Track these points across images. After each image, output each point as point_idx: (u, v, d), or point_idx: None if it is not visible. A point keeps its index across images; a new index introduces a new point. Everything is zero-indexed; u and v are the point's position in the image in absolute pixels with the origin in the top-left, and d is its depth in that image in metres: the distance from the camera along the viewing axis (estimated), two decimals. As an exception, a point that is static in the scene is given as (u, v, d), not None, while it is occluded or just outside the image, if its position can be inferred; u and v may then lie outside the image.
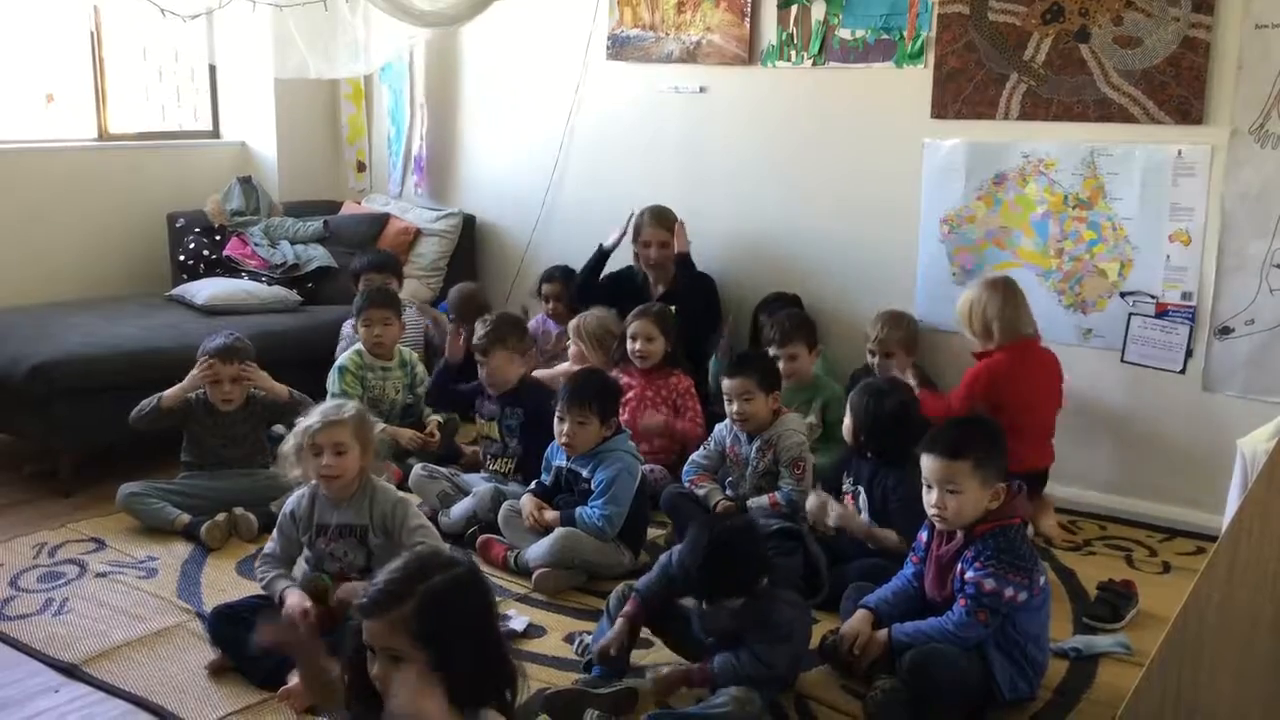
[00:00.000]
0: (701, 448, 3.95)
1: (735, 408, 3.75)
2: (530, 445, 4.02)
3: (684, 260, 4.84)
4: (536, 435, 3.95)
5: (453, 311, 5.13)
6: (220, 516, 3.80)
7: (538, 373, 4.75)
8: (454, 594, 1.98)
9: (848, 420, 3.54)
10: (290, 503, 3.17)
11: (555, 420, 3.65)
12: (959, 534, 2.85)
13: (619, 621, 2.91)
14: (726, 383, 3.77)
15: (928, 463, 2.86)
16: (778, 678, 2.78)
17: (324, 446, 3.02)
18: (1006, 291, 3.97)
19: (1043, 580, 2.85)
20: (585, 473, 3.62)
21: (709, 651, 2.82)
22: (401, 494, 3.21)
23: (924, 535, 3.00)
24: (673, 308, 4.50)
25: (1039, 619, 2.86)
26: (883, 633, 2.88)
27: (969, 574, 2.79)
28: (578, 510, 3.57)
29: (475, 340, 4.14)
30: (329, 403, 3.15)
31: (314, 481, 3.09)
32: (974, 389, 3.91)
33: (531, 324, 5.23)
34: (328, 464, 3.02)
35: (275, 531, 3.18)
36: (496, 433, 4.14)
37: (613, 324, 4.57)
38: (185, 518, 3.84)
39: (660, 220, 4.84)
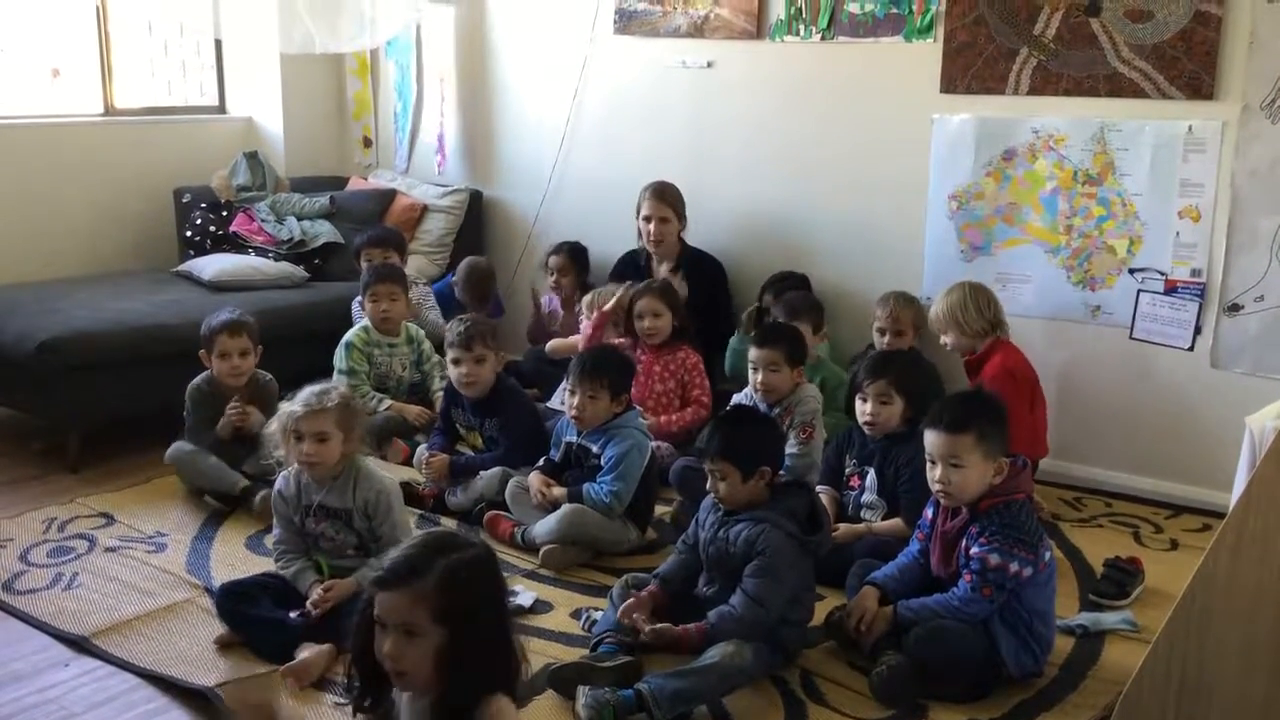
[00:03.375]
0: None
1: (760, 377, 3.73)
2: (514, 444, 3.96)
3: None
4: (518, 436, 3.94)
5: (462, 288, 5.12)
6: (263, 493, 3.74)
7: (552, 343, 4.74)
8: (474, 572, 1.98)
9: (887, 407, 3.42)
10: (279, 483, 3.18)
11: (566, 394, 3.65)
12: (964, 510, 2.86)
13: (642, 593, 2.95)
14: (755, 352, 3.75)
15: (930, 437, 2.86)
16: (769, 621, 2.79)
17: (305, 434, 3.03)
18: (988, 290, 4.03)
19: (1048, 555, 2.86)
20: (595, 448, 3.62)
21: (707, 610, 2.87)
22: (390, 485, 3.17)
23: (929, 512, 3.00)
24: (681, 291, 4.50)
25: (1045, 594, 2.86)
26: (889, 608, 2.89)
27: (974, 549, 2.79)
28: (585, 486, 3.57)
29: (449, 341, 4.04)
30: (315, 388, 3.11)
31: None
32: (1020, 392, 3.88)
33: (545, 300, 5.23)
34: (309, 451, 3.03)
35: (275, 517, 3.19)
36: (480, 443, 4.12)
37: (627, 299, 4.55)
38: (245, 482, 3.84)
39: (660, 196, 4.81)
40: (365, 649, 2.00)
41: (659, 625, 2.88)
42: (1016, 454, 2.90)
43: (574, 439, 3.70)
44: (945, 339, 4.08)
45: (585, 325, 4.58)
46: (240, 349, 3.99)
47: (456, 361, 3.99)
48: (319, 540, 3.13)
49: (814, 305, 4.35)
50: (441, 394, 4.54)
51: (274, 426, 3.13)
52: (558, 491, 3.63)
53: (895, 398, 3.41)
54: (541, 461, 3.80)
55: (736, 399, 3.92)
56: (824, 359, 4.38)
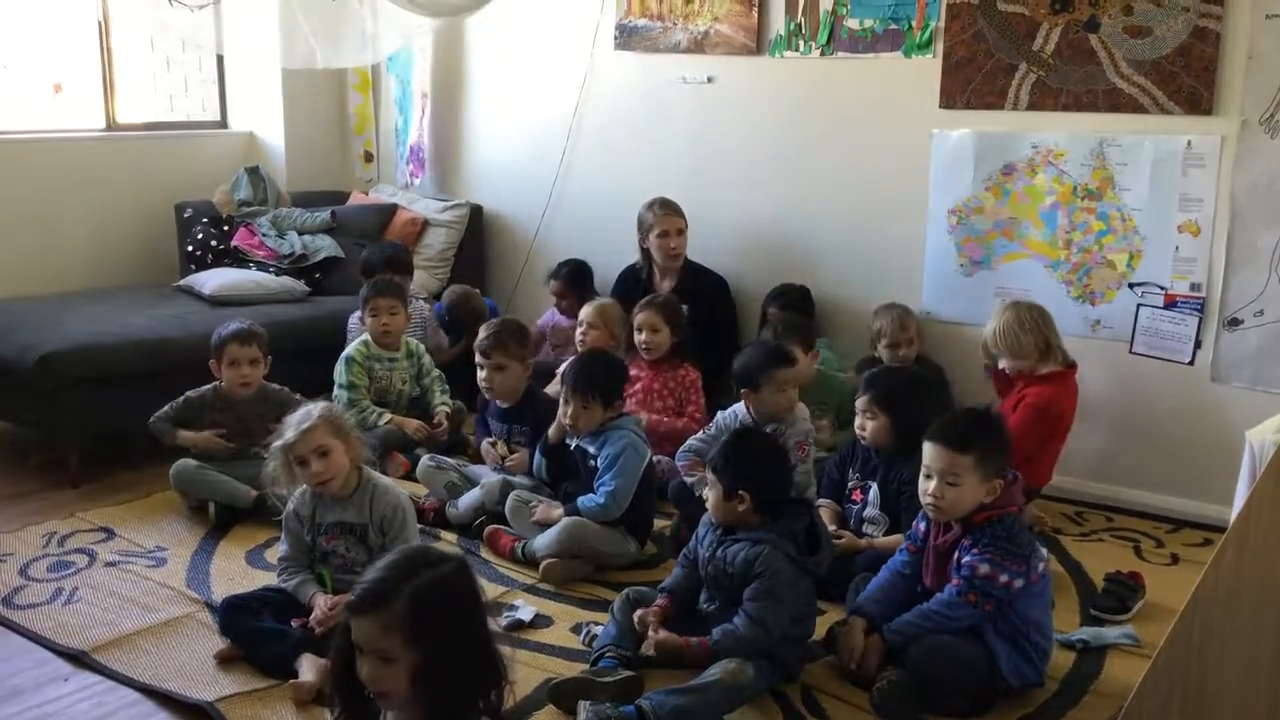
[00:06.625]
0: (701, 431, 3.86)
1: (787, 395, 3.72)
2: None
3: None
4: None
5: (447, 315, 5.11)
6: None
7: (550, 389, 4.75)
8: (444, 592, 1.96)
9: (872, 422, 3.46)
10: (293, 501, 3.18)
11: (560, 401, 3.66)
12: (955, 524, 2.85)
13: (654, 606, 2.98)
14: (789, 371, 3.72)
15: (931, 451, 2.85)
16: (771, 641, 2.80)
17: (307, 455, 3.03)
18: (1047, 315, 3.93)
19: (1041, 567, 2.85)
20: (593, 449, 3.64)
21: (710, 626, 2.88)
22: (405, 500, 3.17)
23: (921, 525, 2.99)
24: (685, 308, 4.49)
25: (1040, 605, 2.86)
26: (877, 638, 2.87)
27: (965, 559, 2.80)
28: (579, 500, 3.58)
29: (477, 344, 4.10)
30: (296, 414, 3.11)
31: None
32: (1038, 429, 3.82)
33: (545, 317, 5.23)
34: (317, 470, 3.03)
35: (283, 532, 3.20)
36: (506, 449, 4.12)
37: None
38: (255, 492, 3.82)
39: (671, 208, 4.81)
40: (346, 671, 1.99)
41: (664, 635, 2.88)
42: (1007, 469, 2.90)
43: (571, 441, 3.73)
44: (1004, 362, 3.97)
45: (587, 337, 4.58)
46: (250, 358, 4.02)
47: (480, 367, 4.07)
48: (328, 558, 3.13)
49: (799, 326, 4.29)
50: (443, 408, 4.57)
51: (271, 467, 3.12)
52: (556, 513, 3.63)
53: (879, 414, 3.44)
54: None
55: (721, 417, 3.87)
56: (827, 373, 4.36)
